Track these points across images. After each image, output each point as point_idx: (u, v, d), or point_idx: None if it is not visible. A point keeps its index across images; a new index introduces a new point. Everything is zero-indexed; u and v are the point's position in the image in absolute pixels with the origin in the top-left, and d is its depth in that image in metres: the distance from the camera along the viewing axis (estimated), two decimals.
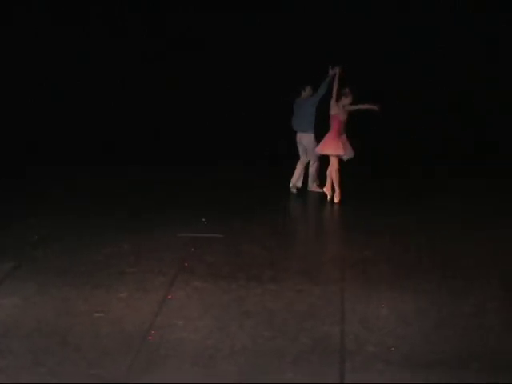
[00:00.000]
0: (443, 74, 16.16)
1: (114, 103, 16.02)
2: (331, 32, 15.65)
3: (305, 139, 12.34)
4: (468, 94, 16.00)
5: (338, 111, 11.69)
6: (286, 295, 7.94)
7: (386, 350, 6.72)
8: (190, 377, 6.29)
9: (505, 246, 9.63)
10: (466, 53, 16.00)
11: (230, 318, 7.36)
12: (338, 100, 11.68)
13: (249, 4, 16.35)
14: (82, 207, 11.23)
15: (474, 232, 10.27)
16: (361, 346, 6.80)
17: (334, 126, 11.76)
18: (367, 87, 11.97)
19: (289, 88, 12.65)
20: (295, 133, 12.42)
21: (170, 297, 7.86)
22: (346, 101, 11.65)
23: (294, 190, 12.43)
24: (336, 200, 11.81)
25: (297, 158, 12.54)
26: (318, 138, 12.07)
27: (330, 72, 11.91)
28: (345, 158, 11.77)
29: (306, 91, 12.32)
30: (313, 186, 12.50)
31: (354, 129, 11.83)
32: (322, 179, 12.28)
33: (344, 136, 11.78)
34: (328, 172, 11.84)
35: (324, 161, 12.04)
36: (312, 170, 12.45)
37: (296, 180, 12.48)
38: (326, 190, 11.94)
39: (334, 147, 11.75)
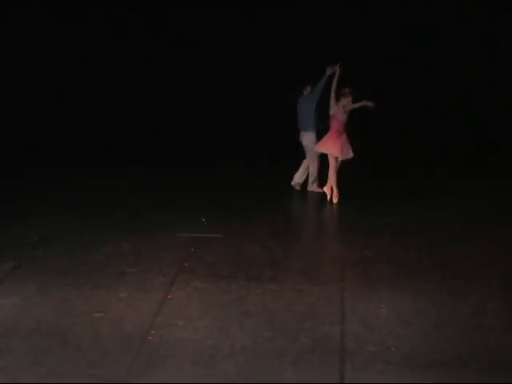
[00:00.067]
0: (443, 74, 16.17)
1: (114, 103, 16.03)
2: (331, 32, 15.65)
3: (305, 138, 12.36)
4: (468, 93, 16.00)
5: (337, 111, 11.70)
6: (286, 295, 7.94)
7: (385, 350, 6.72)
8: (190, 377, 6.30)
9: (505, 246, 9.63)
10: (465, 53, 16.01)
11: (230, 318, 7.36)
12: (337, 100, 11.68)
13: (249, 4, 16.36)
14: (81, 207, 11.23)
15: (474, 232, 10.27)
16: (361, 346, 6.81)
17: (334, 125, 11.78)
18: (367, 87, 11.96)
19: (289, 88, 12.66)
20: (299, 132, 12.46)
21: (170, 297, 7.86)
22: (345, 101, 11.65)
23: (297, 188, 12.47)
24: (334, 200, 11.81)
25: (296, 157, 12.55)
26: (319, 138, 12.07)
27: (328, 71, 11.93)
28: (340, 157, 11.77)
29: (308, 90, 12.33)
30: (312, 186, 12.50)
31: (354, 129, 11.83)
32: (321, 179, 12.29)
33: (344, 136, 11.78)
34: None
35: (325, 161, 12.03)
36: (312, 169, 12.45)
37: (299, 177, 12.50)
38: (326, 189, 11.94)
39: (331, 146, 11.77)
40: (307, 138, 12.35)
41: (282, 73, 15.31)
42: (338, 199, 11.81)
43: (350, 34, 15.77)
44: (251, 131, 15.02)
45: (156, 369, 6.39)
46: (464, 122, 15.62)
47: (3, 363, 6.41)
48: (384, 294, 7.98)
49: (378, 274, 8.57)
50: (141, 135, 15.46)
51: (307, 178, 12.51)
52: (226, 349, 6.72)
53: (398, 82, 15.54)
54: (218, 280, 8.30)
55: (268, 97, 15.45)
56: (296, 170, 12.56)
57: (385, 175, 13.44)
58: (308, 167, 12.47)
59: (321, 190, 12.33)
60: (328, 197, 11.88)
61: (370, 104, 11.58)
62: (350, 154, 11.80)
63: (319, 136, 12.10)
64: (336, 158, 11.75)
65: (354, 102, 11.66)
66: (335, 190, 11.81)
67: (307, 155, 12.42)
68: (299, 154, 12.60)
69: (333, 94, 11.69)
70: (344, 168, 11.84)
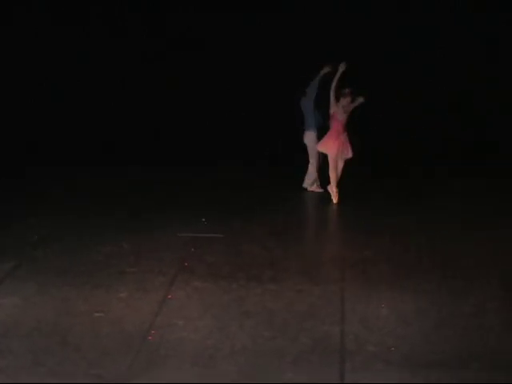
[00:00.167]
0: (443, 74, 16.15)
1: (114, 103, 16.01)
2: (331, 32, 15.64)
3: (306, 137, 12.37)
4: (468, 93, 15.99)
5: (337, 111, 11.70)
6: (286, 295, 7.95)
7: (385, 350, 6.72)
8: (190, 377, 6.30)
9: (505, 246, 9.63)
10: (466, 53, 15.99)
11: (230, 318, 7.36)
12: (337, 100, 11.68)
13: (249, 4, 16.34)
14: (82, 207, 11.22)
15: (474, 232, 10.27)
16: (361, 346, 6.81)
17: (333, 125, 11.78)
18: (367, 87, 11.95)
19: (288, 88, 12.65)
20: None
21: (170, 297, 7.86)
22: (344, 101, 11.65)
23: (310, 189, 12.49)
24: (334, 200, 11.81)
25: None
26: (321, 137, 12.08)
27: (324, 69, 11.96)
28: (338, 157, 11.77)
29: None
30: (312, 186, 12.49)
31: (354, 129, 11.83)
32: (322, 179, 12.31)
33: (344, 136, 11.76)
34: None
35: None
36: (311, 169, 12.44)
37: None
38: (330, 189, 11.94)
39: (329, 146, 11.80)
40: (307, 137, 12.36)
41: (282, 73, 15.31)
42: (338, 199, 11.81)
43: (350, 34, 15.75)
44: (251, 131, 15.01)
45: (156, 369, 6.40)
46: (464, 122, 15.61)
47: (3, 363, 6.42)
48: (384, 293, 7.98)
49: (378, 274, 8.57)
50: (141, 135, 15.44)
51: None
52: (226, 349, 6.72)
53: (397, 82, 15.52)
54: (218, 280, 8.30)
55: (268, 97, 15.43)
56: (303, 171, 12.55)
57: (385, 175, 13.43)
58: (319, 165, 12.44)
59: (321, 190, 12.34)
60: (336, 197, 11.85)
61: (361, 100, 11.58)
62: (349, 154, 11.79)
63: (321, 135, 12.09)
64: (334, 157, 11.76)
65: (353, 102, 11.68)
66: (335, 190, 11.81)
67: (308, 154, 12.42)
68: (299, 154, 12.61)
69: (333, 94, 11.68)
70: (344, 168, 11.84)
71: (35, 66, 16.09)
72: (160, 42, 16.69)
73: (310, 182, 12.48)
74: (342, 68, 11.63)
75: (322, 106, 12.10)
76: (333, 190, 11.84)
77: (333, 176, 11.80)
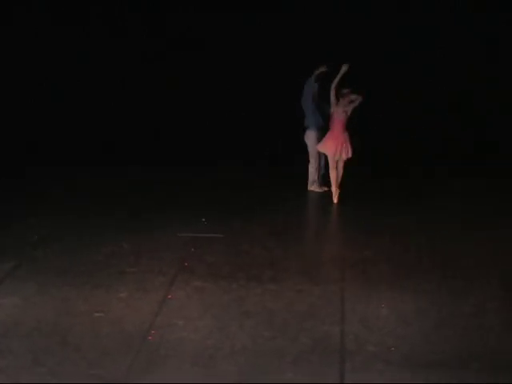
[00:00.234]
0: (443, 74, 16.15)
1: (114, 103, 16.01)
2: (331, 32, 15.64)
3: (306, 136, 12.39)
4: (468, 94, 15.99)
5: (336, 111, 11.71)
6: (286, 295, 7.95)
7: (385, 350, 6.72)
8: (190, 377, 6.30)
9: (505, 246, 9.63)
10: (466, 53, 15.99)
11: (230, 317, 7.36)
12: (337, 100, 11.69)
13: (249, 4, 16.34)
14: (82, 207, 11.22)
15: (474, 232, 10.27)
16: (361, 345, 6.81)
17: (333, 125, 11.79)
18: (367, 87, 11.95)
19: (288, 88, 12.65)
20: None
21: (170, 297, 7.86)
22: (344, 101, 11.66)
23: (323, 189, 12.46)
24: (335, 200, 11.81)
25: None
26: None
27: (320, 69, 11.99)
28: (337, 157, 11.77)
29: (315, 88, 12.34)
30: (312, 186, 12.49)
31: (354, 129, 11.82)
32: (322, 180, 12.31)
33: (344, 136, 11.74)
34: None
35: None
36: (311, 169, 12.44)
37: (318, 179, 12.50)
38: (332, 189, 11.95)
39: (328, 146, 11.81)
40: (306, 136, 12.38)
41: (282, 73, 15.31)
42: (337, 199, 11.81)
43: (350, 34, 15.76)
44: (251, 131, 15.01)
45: (156, 369, 6.40)
46: (464, 122, 15.61)
47: (3, 363, 6.42)
48: (384, 294, 7.98)
49: (378, 274, 8.58)
50: (141, 135, 15.45)
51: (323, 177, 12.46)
52: (226, 349, 6.73)
53: (398, 82, 15.52)
54: (218, 280, 8.31)
55: (268, 97, 15.43)
56: (303, 171, 12.55)
57: (385, 175, 13.44)
58: (318, 165, 12.44)
59: (320, 190, 12.35)
60: (336, 196, 11.85)
61: (360, 99, 11.58)
62: (349, 155, 11.77)
63: (323, 135, 12.09)
64: (333, 157, 11.77)
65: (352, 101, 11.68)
66: (334, 189, 11.81)
67: (309, 153, 12.43)
68: (299, 154, 12.62)
69: (333, 94, 11.68)
70: (344, 168, 11.82)
71: (35, 66, 16.09)
72: (160, 42, 16.69)
73: (310, 181, 12.48)
74: (344, 69, 11.63)
75: (322, 106, 12.11)
76: (333, 189, 11.84)
77: (333, 176, 11.80)
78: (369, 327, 7.18)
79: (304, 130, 12.42)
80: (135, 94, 16.22)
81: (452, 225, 10.60)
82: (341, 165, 11.81)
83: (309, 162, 12.40)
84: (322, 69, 12.05)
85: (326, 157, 12.05)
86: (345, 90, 11.67)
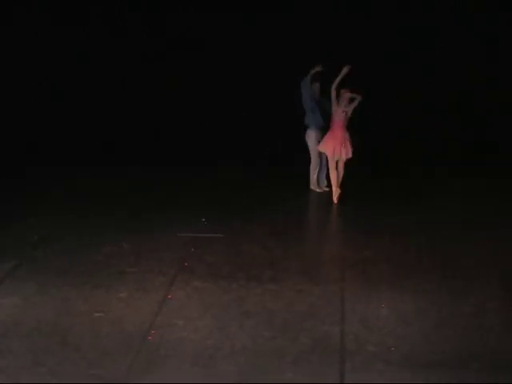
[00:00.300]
0: (443, 74, 16.15)
1: (114, 103, 16.01)
2: (331, 32, 15.64)
3: (306, 136, 12.40)
4: (468, 94, 15.99)
5: (336, 111, 11.72)
6: (286, 295, 7.95)
7: (385, 350, 6.72)
8: (190, 377, 6.30)
9: (505, 246, 9.63)
10: (466, 53, 15.99)
11: (230, 317, 7.36)
12: (337, 100, 11.70)
13: (249, 4, 16.34)
14: (81, 207, 11.22)
15: (474, 232, 10.27)
16: (361, 345, 6.81)
17: (333, 125, 11.81)
18: (367, 87, 11.95)
19: (288, 88, 12.65)
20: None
21: (170, 297, 7.86)
22: (343, 102, 11.66)
23: (318, 190, 12.44)
24: (334, 200, 11.81)
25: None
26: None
27: (315, 69, 12.01)
28: (336, 157, 11.77)
29: (315, 88, 12.35)
30: (313, 186, 12.48)
31: (354, 129, 11.83)
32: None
33: (344, 136, 11.73)
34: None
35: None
36: (311, 168, 12.44)
37: (314, 179, 12.48)
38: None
39: (327, 146, 11.84)
40: (307, 136, 12.39)
41: (282, 73, 15.30)
42: (337, 198, 11.81)
43: (350, 34, 15.76)
44: (251, 131, 15.01)
45: (156, 369, 6.40)
46: (464, 122, 15.61)
47: (3, 363, 6.42)
48: (384, 293, 7.98)
49: (378, 274, 8.58)
50: (141, 135, 15.45)
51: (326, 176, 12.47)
52: (226, 349, 6.73)
53: (398, 82, 15.52)
54: (218, 280, 8.31)
55: (268, 97, 15.43)
56: (303, 172, 12.56)
57: (385, 175, 13.44)
58: (321, 165, 12.43)
59: (321, 190, 12.35)
60: (335, 196, 11.86)
61: (359, 98, 11.59)
62: (349, 155, 11.76)
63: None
64: (332, 157, 11.78)
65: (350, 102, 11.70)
66: (335, 189, 11.81)
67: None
68: (300, 154, 12.62)
69: (333, 94, 11.69)
70: (344, 168, 11.82)
71: (35, 66, 16.09)
72: (160, 42, 16.69)
73: (311, 181, 12.48)
74: (345, 70, 11.64)
75: (323, 106, 12.12)
76: (334, 189, 11.84)
77: (333, 176, 11.81)
78: (369, 327, 7.19)
79: (305, 129, 12.44)
80: (135, 94, 16.22)
81: (452, 225, 10.60)
82: (341, 165, 11.81)
83: (310, 161, 12.43)
84: (318, 68, 12.09)
85: (326, 157, 12.05)
86: (343, 90, 11.68)
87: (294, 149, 12.72)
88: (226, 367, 6.44)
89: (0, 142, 14.29)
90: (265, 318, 7.36)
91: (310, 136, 12.34)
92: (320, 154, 12.29)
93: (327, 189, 12.26)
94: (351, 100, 11.66)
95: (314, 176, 12.45)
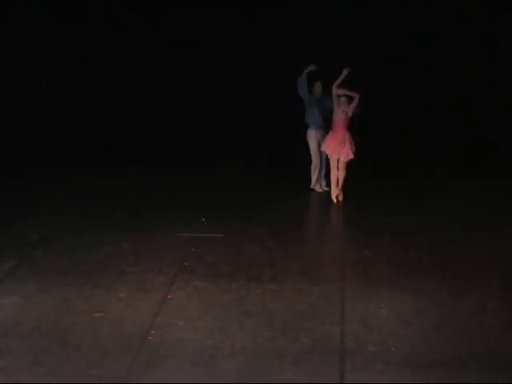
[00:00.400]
0: (443, 74, 16.14)
1: (114, 103, 16.01)
2: (331, 32, 15.64)
3: (307, 134, 12.41)
4: (468, 94, 15.98)
5: (336, 111, 11.74)
6: (286, 295, 7.95)
7: (386, 350, 6.72)
8: (190, 377, 6.30)
9: (505, 246, 9.63)
10: (466, 53, 15.98)
11: (230, 318, 7.36)
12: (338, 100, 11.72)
13: (249, 4, 16.34)
14: (81, 207, 11.23)
15: (474, 232, 10.27)
16: (361, 345, 6.81)
17: (334, 125, 11.82)
18: (367, 87, 11.96)
19: (288, 88, 12.66)
20: None
21: (170, 297, 7.86)
22: (343, 103, 11.67)
23: (318, 189, 12.43)
24: (334, 199, 11.81)
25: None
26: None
27: (309, 68, 12.02)
28: (335, 157, 11.78)
29: (317, 87, 12.36)
30: (313, 185, 12.49)
31: (354, 129, 11.82)
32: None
33: (345, 136, 11.72)
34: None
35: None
36: (311, 168, 12.44)
37: (315, 179, 12.48)
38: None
39: (327, 145, 11.87)
40: (307, 135, 12.41)
41: (282, 73, 15.28)
42: (337, 198, 11.81)
43: (350, 34, 15.75)
44: (251, 131, 15.01)
45: (156, 369, 6.40)
46: (464, 122, 15.60)
47: (3, 363, 6.42)
48: (384, 293, 7.98)
49: (378, 274, 8.58)
50: (141, 135, 15.45)
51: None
52: (226, 349, 6.73)
53: (398, 82, 15.52)
54: (217, 280, 8.31)
55: (268, 97, 15.43)
56: (303, 171, 12.57)
57: (385, 175, 13.44)
58: (321, 165, 12.43)
59: (321, 190, 12.36)
60: (334, 196, 11.85)
61: (357, 96, 11.59)
62: (349, 156, 11.75)
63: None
64: (331, 157, 11.80)
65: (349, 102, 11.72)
66: (334, 188, 11.81)
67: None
68: (300, 154, 12.63)
69: (334, 94, 11.70)
70: (346, 169, 11.80)
71: (35, 66, 16.08)
72: (160, 42, 16.68)
73: (312, 181, 12.48)
74: (344, 73, 11.65)
75: (326, 106, 12.12)
76: (333, 189, 11.85)
77: (333, 176, 11.82)
78: (369, 327, 7.18)
79: (306, 128, 12.45)
80: (135, 94, 16.21)
81: (452, 225, 10.60)
82: (341, 165, 11.79)
83: (311, 161, 12.44)
84: (311, 67, 12.13)
85: (327, 156, 12.06)
86: (341, 91, 11.68)
87: (294, 149, 12.71)
88: (225, 367, 6.43)
89: (0, 142, 14.29)
90: (265, 318, 7.36)
91: (310, 136, 12.36)
92: (320, 154, 12.30)
93: (327, 188, 12.28)
94: (350, 96, 11.64)
95: (314, 176, 12.45)
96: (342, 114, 11.69)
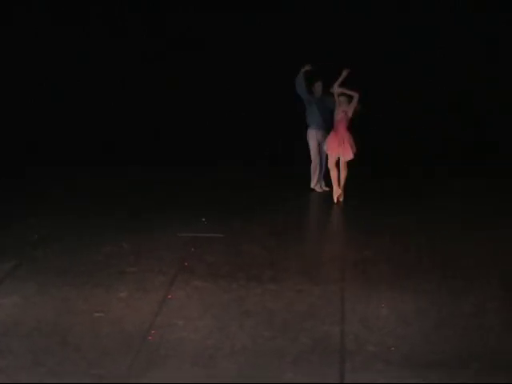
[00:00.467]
0: (443, 74, 16.14)
1: (114, 103, 16.01)
2: (331, 32, 15.64)
3: (307, 134, 12.41)
4: (468, 94, 15.98)
5: (337, 111, 11.75)
6: (286, 295, 7.95)
7: (386, 350, 6.72)
8: (190, 377, 6.30)
9: (505, 246, 9.63)
10: (466, 53, 15.98)
11: (230, 317, 7.36)
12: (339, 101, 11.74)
13: (249, 4, 16.34)
14: (81, 207, 11.23)
15: (474, 232, 10.27)
16: (361, 345, 6.81)
17: (334, 125, 11.83)
18: (367, 87, 11.96)
19: (288, 88, 12.66)
20: None
21: (169, 297, 7.86)
22: (342, 103, 11.68)
23: (318, 189, 12.44)
24: (335, 199, 11.82)
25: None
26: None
27: (305, 67, 12.03)
28: (335, 157, 11.79)
29: (317, 87, 12.37)
30: (313, 185, 12.49)
31: (354, 129, 11.83)
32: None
33: (345, 136, 11.72)
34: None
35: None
36: (312, 168, 12.44)
37: (315, 179, 12.48)
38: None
39: (327, 145, 11.89)
40: (307, 135, 12.42)
41: (282, 73, 15.28)
42: (337, 198, 11.81)
43: (350, 34, 15.75)
44: (251, 131, 15.01)
45: (156, 369, 6.40)
46: (464, 122, 15.61)
47: (3, 363, 6.42)
48: (384, 293, 7.98)
49: (378, 274, 8.58)
50: (141, 135, 15.45)
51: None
52: (226, 349, 6.72)
53: (398, 82, 15.52)
54: (217, 280, 8.31)
55: (268, 97, 15.43)
56: (303, 171, 12.57)
57: (385, 175, 13.44)
58: (320, 165, 12.43)
59: (321, 190, 12.36)
60: (335, 196, 11.85)
61: (356, 95, 11.60)
62: (349, 156, 11.74)
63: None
64: (332, 157, 11.81)
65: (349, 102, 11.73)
66: (336, 189, 11.82)
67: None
68: (300, 154, 12.63)
69: (335, 95, 11.71)
70: (347, 169, 11.80)
71: (35, 66, 16.08)
72: (160, 42, 16.68)
73: (312, 180, 12.48)
74: (344, 74, 11.66)
75: (327, 106, 12.13)
76: (334, 189, 11.85)
77: (332, 175, 11.82)
78: (369, 327, 7.18)
79: (306, 128, 12.46)
80: (135, 94, 16.21)
81: (452, 225, 10.60)
82: (342, 165, 11.79)
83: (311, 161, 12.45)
84: (307, 67, 12.15)
85: (327, 156, 12.06)
86: (339, 91, 11.69)
87: (294, 149, 12.71)
88: (226, 367, 6.43)
89: (0, 142, 14.29)
90: (265, 318, 7.36)
91: (310, 135, 12.37)
92: (320, 154, 12.30)
93: (327, 188, 12.28)
94: (349, 95, 11.65)
95: (314, 176, 12.46)
96: (342, 113, 11.70)
